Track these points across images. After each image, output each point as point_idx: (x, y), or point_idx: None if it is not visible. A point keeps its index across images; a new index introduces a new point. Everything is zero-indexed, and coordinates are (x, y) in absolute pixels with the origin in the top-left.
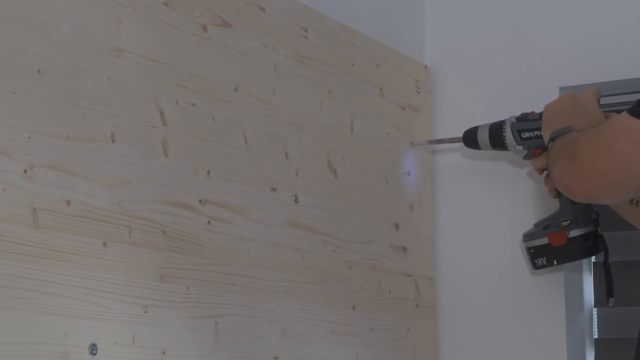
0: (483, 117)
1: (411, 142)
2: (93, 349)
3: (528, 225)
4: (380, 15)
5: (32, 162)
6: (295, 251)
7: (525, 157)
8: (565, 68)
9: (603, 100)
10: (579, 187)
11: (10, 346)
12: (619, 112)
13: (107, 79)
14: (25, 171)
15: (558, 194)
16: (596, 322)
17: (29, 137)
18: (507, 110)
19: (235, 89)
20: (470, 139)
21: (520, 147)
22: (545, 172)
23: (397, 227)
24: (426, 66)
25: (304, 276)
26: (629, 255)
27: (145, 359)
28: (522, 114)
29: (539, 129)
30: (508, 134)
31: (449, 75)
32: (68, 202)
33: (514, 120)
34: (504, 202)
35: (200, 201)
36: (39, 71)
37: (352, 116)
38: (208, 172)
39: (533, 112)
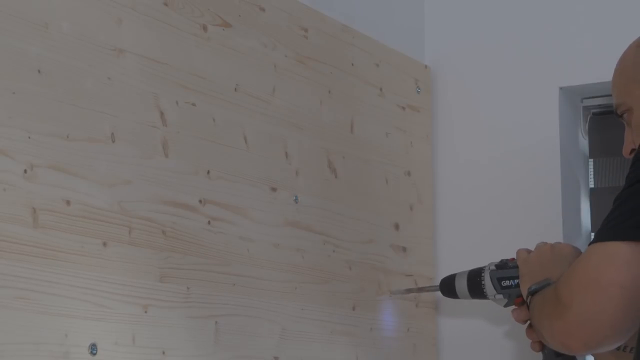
0: (483, 117)
1: (390, 292)
2: (93, 349)
3: (528, 225)
4: (380, 15)
5: (32, 162)
6: (295, 251)
7: (506, 306)
8: (565, 68)
9: (603, 101)
10: (577, 342)
11: (10, 346)
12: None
13: (107, 79)
14: (25, 171)
15: (542, 347)
16: None
17: (29, 137)
18: (507, 110)
19: (235, 89)
20: (447, 288)
21: (500, 296)
22: (527, 323)
23: (397, 227)
24: (426, 66)
25: (304, 276)
26: None
27: (145, 359)
28: (502, 260)
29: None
30: (487, 282)
31: (449, 75)
32: (68, 202)
33: (493, 267)
34: (503, 202)
35: (200, 201)
36: (39, 71)
37: (352, 116)
38: (208, 172)
39: (513, 259)
